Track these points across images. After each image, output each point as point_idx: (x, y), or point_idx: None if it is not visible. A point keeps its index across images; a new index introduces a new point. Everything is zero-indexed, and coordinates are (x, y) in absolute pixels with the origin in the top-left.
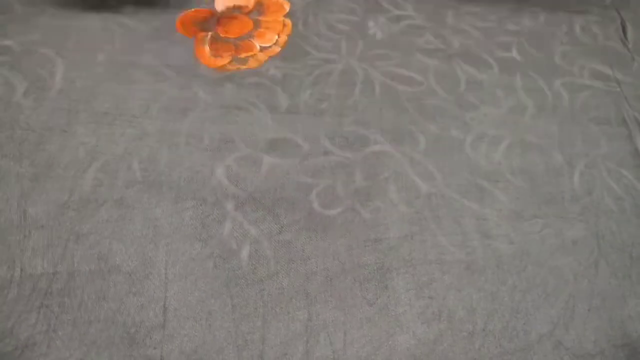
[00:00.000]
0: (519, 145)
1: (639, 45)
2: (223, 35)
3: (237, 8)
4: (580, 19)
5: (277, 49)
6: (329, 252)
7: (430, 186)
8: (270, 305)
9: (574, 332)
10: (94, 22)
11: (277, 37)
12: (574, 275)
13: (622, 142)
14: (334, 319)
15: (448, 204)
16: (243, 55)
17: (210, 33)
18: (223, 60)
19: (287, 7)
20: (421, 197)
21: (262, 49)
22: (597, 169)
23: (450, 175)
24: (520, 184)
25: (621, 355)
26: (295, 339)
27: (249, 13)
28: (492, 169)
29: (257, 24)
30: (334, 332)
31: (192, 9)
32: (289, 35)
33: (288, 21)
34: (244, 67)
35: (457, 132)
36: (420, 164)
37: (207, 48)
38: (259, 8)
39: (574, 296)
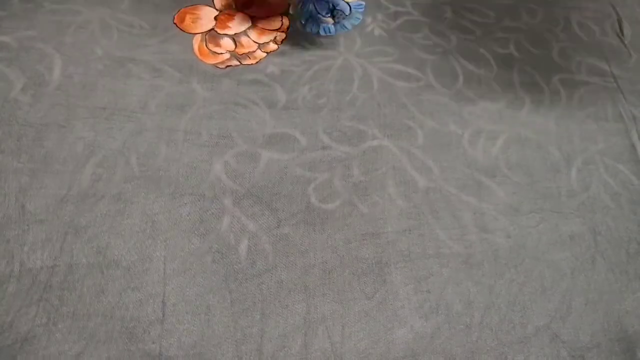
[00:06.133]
0: (516, 140)
1: (635, 40)
2: (221, 32)
3: (236, 4)
4: (577, 15)
5: (275, 46)
6: (327, 246)
7: (428, 181)
8: (268, 299)
9: (570, 325)
10: (91, 17)
11: (275, 33)
12: (570, 270)
13: (619, 138)
14: (332, 312)
15: (446, 199)
16: (241, 51)
17: (208, 29)
18: (221, 57)
19: (285, 4)
20: (419, 191)
21: (261, 45)
22: (594, 165)
23: (448, 169)
24: (517, 179)
25: (617, 350)
26: (293, 332)
27: (247, 10)
28: (489, 163)
29: (255, 21)
30: (332, 326)
31: (191, 5)
32: (287, 32)
33: (286, 18)
34: (243, 63)
35: (455, 127)
36: (418, 159)
37: (205, 44)
38: (258, 5)
39: (570, 290)
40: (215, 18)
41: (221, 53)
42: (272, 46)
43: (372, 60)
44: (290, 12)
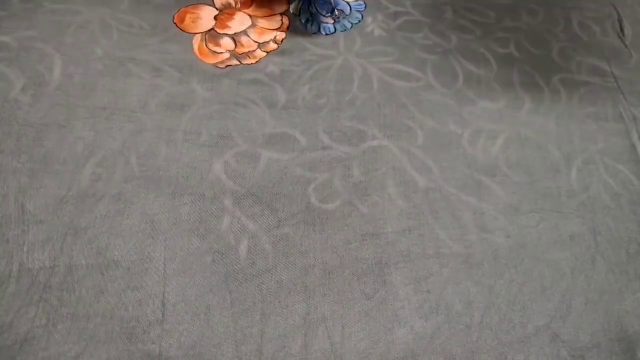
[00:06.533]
0: (516, 140)
1: (635, 40)
2: (221, 32)
3: (236, 4)
4: (577, 15)
5: (275, 45)
6: (327, 246)
7: (428, 180)
8: (268, 299)
9: (570, 325)
10: (91, 17)
11: (275, 33)
12: (570, 270)
13: (619, 138)
14: (332, 313)
15: (446, 198)
16: (241, 51)
17: (208, 29)
18: (221, 56)
19: (285, 4)
20: (419, 191)
21: (261, 45)
22: (594, 164)
23: (448, 169)
24: (517, 178)
25: (617, 350)
26: (293, 332)
27: (247, 9)
28: (489, 163)
29: (255, 21)
30: (332, 326)
31: (191, 5)
32: (287, 32)
33: (286, 17)
34: (242, 63)
35: (454, 127)
36: (418, 159)
37: (205, 44)
38: (258, 4)
39: (570, 290)
40: (215, 17)
41: (221, 52)
42: (272, 45)
43: (372, 60)
44: (291, 10)
